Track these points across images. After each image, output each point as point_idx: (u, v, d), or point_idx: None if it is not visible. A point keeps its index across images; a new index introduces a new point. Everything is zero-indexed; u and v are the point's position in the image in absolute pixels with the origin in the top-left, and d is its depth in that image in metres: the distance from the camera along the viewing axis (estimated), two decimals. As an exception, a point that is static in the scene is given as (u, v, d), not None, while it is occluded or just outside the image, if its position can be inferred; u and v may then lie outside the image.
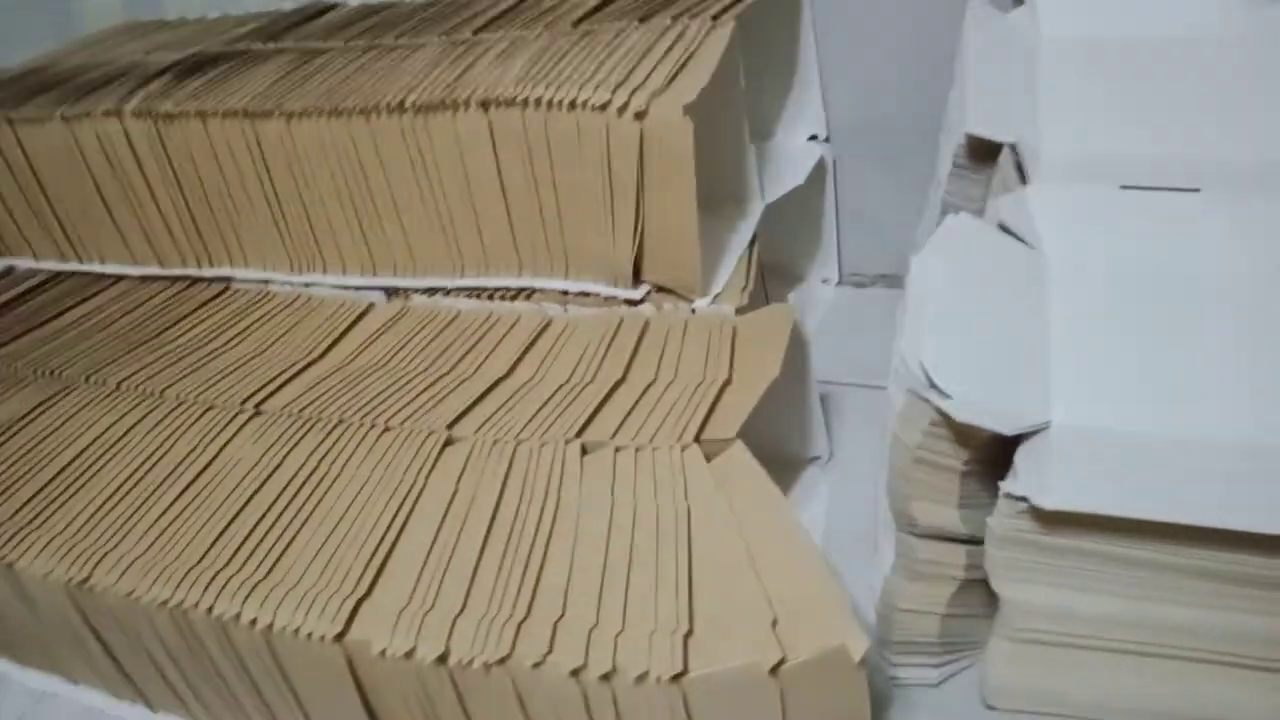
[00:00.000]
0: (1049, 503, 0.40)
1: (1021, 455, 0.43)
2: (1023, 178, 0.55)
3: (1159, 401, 0.42)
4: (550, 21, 0.70)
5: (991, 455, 0.45)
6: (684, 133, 0.55)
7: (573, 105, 0.57)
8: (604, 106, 0.57)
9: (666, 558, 0.43)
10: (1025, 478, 0.42)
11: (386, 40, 0.72)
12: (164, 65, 0.75)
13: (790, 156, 0.79)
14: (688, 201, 0.58)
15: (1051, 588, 0.45)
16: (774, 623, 0.39)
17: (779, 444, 0.65)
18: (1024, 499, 0.42)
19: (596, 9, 0.72)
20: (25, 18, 1.08)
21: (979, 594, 0.50)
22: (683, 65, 0.59)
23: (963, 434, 0.44)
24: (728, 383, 0.53)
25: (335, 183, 0.66)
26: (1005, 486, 0.42)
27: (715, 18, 0.65)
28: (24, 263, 0.85)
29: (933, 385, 0.43)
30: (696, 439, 0.49)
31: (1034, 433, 0.42)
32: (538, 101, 0.58)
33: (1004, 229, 0.53)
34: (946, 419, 0.43)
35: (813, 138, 0.81)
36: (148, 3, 1.01)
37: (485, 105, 0.60)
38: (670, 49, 0.61)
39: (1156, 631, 0.44)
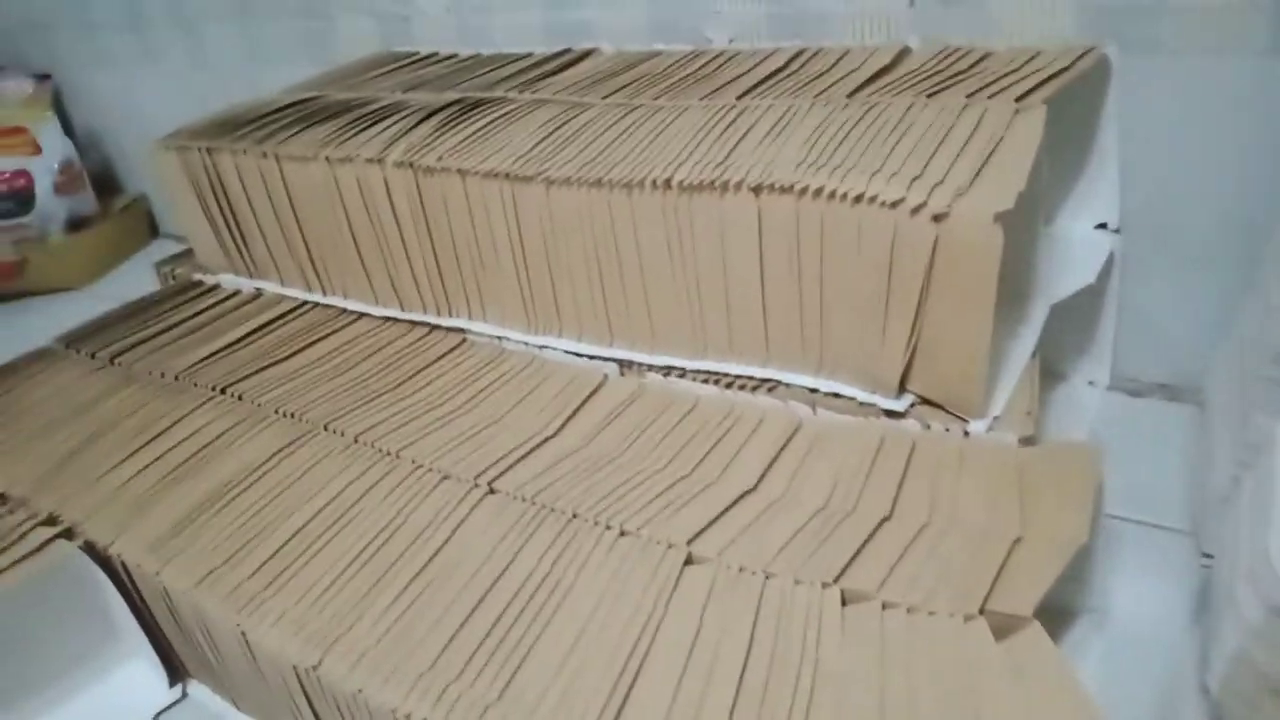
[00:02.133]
0: None
1: None
2: None
3: None
4: (822, 90, 0.65)
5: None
6: (992, 242, 0.48)
7: (858, 199, 0.52)
8: (896, 204, 0.51)
9: (954, 769, 0.37)
10: None
11: (646, 100, 0.69)
12: (426, 111, 0.75)
13: (1075, 247, 0.70)
14: (983, 314, 0.51)
15: None
16: None
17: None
18: None
19: (874, 78, 0.66)
20: (286, 41, 1.14)
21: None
22: (988, 159, 0.52)
23: (1351, 676, 0.35)
24: (1019, 540, 0.46)
25: (585, 250, 0.63)
26: None
27: (1019, 99, 0.58)
28: (271, 286, 0.88)
29: (1316, 609, 0.35)
30: (982, 610, 0.43)
31: None
32: (817, 191, 0.53)
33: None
34: (1333, 656, 0.34)
35: (1101, 225, 0.72)
36: (399, 31, 1.03)
37: (756, 190, 0.55)
38: (971, 137, 0.54)
39: None
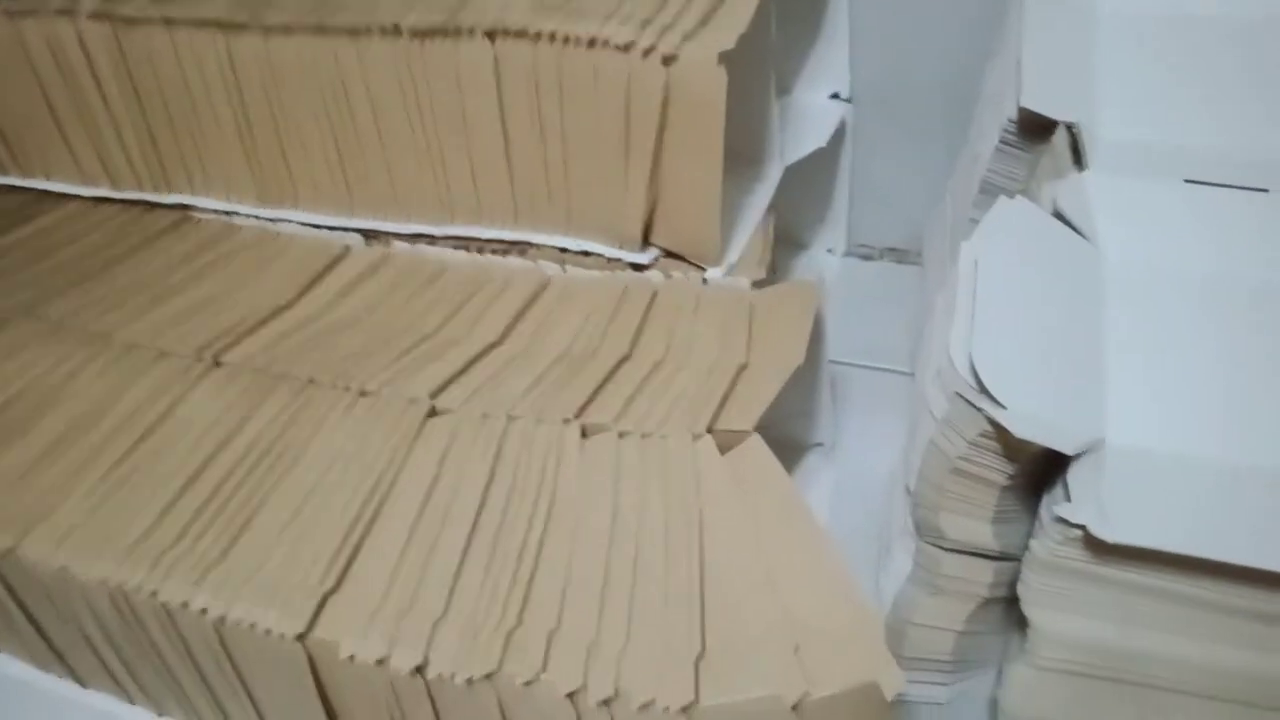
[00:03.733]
0: (1110, 535, 0.36)
1: (1076, 477, 0.39)
2: (1078, 161, 0.50)
3: (1235, 427, 0.38)
4: (562, -55, 0.63)
5: (1035, 469, 0.41)
6: (717, 83, 0.49)
7: (592, 43, 0.51)
8: (627, 47, 0.50)
9: (678, 566, 0.38)
10: (1081, 504, 0.38)
11: (379, -50, 0.64)
12: (124, -40, 0.67)
13: (809, 115, 0.73)
14: (713, 160, 0.52)
15: (1090, 619, 0.41)
16: (796, 649, 0.35)
17: (780, 426, 0.61)
18: (1079, 527, 0.38)
19: (614, -65, 0.65)
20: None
21: (997, 612, 0.46)
22: (716, 6, 0.53)
23: (1013, 447, 0.40)
24: (744, 367, 0.49)
25: (315, 109, 0.59)
26: (1058, 510, 0.38)
27: (748, -45, 0.59)
28: (-42, 171, 0.77)
29: (984, 392, 0.39)
30: (710, 429, 0.45)
31: (1091, 452, 0.38)
32: (552, 35, 0.52)
33: (1059, 217, 0.48)
34: (998, 430, 0.39)
35: (834, 96, 0.75)
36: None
37: (491, 35, 0.53)
38: (701, -13, 0.55)
39: (1201, 673, 0.40)
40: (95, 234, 0.66)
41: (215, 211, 0.66)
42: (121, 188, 0.69)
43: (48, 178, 0.72)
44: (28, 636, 0.48)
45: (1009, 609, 0.45)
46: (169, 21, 0.59)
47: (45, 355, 0.54)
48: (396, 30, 0.54)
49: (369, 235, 0.63)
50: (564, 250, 0.60)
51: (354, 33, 0.55)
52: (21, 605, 0.46)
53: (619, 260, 0.58)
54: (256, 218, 0.65)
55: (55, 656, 0.49)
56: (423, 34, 0.54)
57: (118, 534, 0.42)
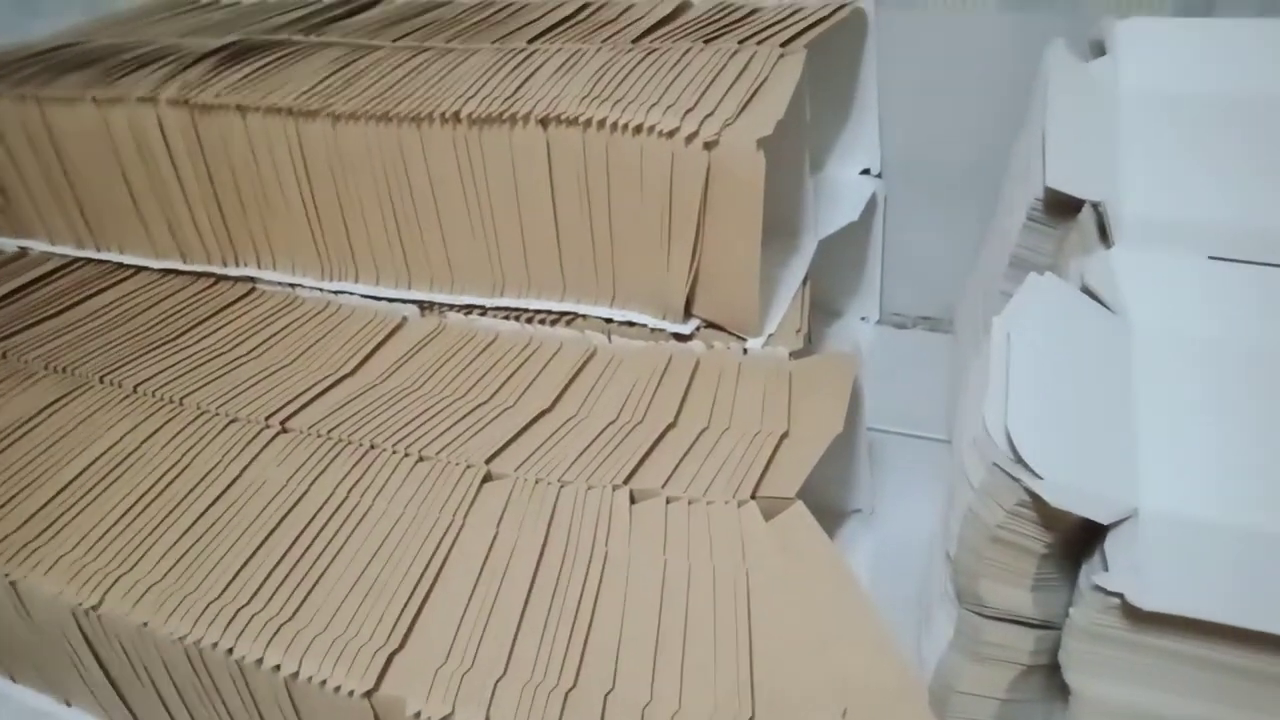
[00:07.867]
0: (1147, 604, 0.37)
1: (1113, 545, 0.40)
2: (1104, 238, 0.53)
3: (1267, 494, 0.39)
4: (609, 36, 0.67)
5: (1073, 537, 0.43)
6: (756, 166, 0.52)
7: (638, 129, 0.54)
8: (672, 133, 0.54)
9: (725, 628, 0.40)
10: (1119, 572, 0.39)
11: (437, 43, 0.69)
12: (202, 51, 0.72)
13: (842, 190, 0.76)
14: (752, 237, 0.55)
15: (1132, 686, 0.42)
16: (844, 712, 0.36)
17: (820, 493, 0.62)
18: (1117, 595, 0.39)
19: (657, 26, 0.69)
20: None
21: (1041, 679, 0.47)
22: (754, 94, 0.56)
23: (1050, 517, 0.41)
24: (785, 435, 0.50)
25: (377, 189, 0.63)
26: (1096, 579, 0.40)
27: (784, 45, 0.62)
28: (38, 245, 0.81)
29: (1021, 463, 0.41)
30: (753, 495, 0.46)
31: (1127, 521, 0.40)
32: (601, 123, 0.55)
33: (1087, 292, 0.50)
34: (1035, 500, 0.40)
35: (865, 171, 0.78)
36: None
37: (544, 122, 0.57)
38: (740, 75, 0.58)
39: (1242, 741, 0.41)
40: (166, 303, 0.70)
41: (280, 284, 0.70)
42: (192, 261, 0.73)
43: (121, 251, 0.77)
44: (103, 693, 0.51)
45: (1051, 676, 0.46)
46: (242, 108, 0.64)
47: (122, 419, 0.57)
48: (457, 118, 0.58)
49: (424, 306, 0.67)
50: (609, 321, 0.63)
51: (416, 119, 0.59)
52: (100, 662, 0.48)
53: (662, 330, 0.61)
54: (319, 290, 0.69)
55: (127, 711, 0.51)
56: (481, 121, 0.58)
57: (195, 592, 0.45)
